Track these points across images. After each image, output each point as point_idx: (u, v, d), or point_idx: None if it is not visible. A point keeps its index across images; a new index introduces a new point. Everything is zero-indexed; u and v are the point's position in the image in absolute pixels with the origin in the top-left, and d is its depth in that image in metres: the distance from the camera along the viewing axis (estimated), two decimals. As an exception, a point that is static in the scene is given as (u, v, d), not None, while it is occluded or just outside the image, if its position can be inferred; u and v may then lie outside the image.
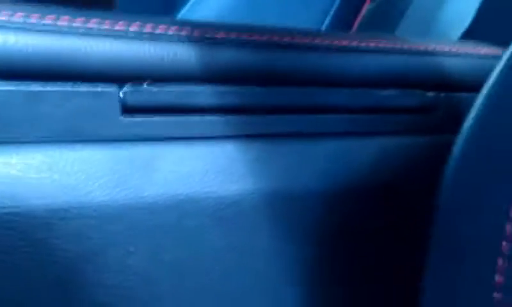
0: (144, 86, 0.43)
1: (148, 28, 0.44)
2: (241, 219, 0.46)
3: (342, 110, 0.51)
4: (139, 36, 0.43)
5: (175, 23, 0.45)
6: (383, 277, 0.52)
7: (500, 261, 0.42)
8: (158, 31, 0.44)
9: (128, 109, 0.44)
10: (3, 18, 0.41)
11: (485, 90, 0.44)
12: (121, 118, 0.44)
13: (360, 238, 0.51)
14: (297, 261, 0.49)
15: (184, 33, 0.44)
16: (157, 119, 0.45)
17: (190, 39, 0.44)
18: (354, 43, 0.51)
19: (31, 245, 0.41)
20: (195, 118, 0.46)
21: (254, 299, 0.48)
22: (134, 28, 0.43)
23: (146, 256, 0.44)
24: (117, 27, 0.43)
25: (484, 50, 0.57)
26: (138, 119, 0.44)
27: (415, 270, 0.46)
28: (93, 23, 0.42)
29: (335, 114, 0.50)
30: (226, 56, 0.45)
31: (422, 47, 0.54)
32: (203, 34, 0.45)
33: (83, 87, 0.42)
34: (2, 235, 0.41)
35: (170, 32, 0.44)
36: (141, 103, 0.44)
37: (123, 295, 0.44)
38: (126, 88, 0.43)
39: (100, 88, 0.42)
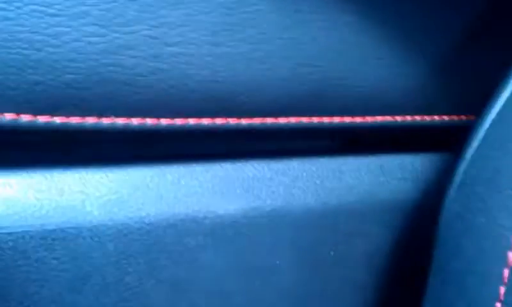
0: None
1: None
2: (239, 239, 0.46)
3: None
4: None
5: None
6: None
7: (502, 290, 0.42)
8: None
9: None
10: None
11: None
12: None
13: (357, 259, 0.51)
14: (294, 281, 0.49)
15: None
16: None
17: None
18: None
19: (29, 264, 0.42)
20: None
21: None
22: None
23: (144, 274, 0.44)
24: None
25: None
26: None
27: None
28: None
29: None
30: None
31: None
32: None
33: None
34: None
35: None
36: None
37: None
38: None
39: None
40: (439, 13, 0.49)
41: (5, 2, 0.38)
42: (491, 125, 0.46)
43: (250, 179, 0.47)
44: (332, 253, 0.50)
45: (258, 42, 0.44)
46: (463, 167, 0.47)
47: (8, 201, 0.41)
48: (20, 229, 0.41)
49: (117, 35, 0.41)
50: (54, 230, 0.42)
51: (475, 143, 0.46)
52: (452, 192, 0.47)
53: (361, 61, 0.47)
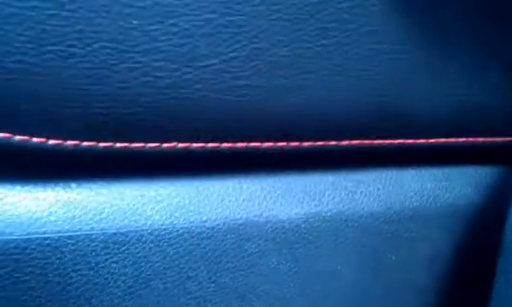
0: None
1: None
2: (300, 244, 0.46)
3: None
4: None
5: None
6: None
7: None
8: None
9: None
10: None
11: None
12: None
13: (419, 263, 0.50)
14: (355, 286, 0.48)
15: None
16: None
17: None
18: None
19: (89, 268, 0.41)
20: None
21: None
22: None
23: (205, 280, 0.44)
24: None
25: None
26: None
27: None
28: None
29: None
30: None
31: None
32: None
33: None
34: (60, 258, 0.40)
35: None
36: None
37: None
38: None
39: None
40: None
41: (75, 40, 0.38)
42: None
43: (312, 184, 0.47)
44: (394, 258, 0.49)
45: (329, 74, 0.44)
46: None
47: (68, 204, 0.41)
48: (80, 233, 0.41)
49: (187, 70, 0.40)
50: (115, 234, 0.41)
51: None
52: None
53: (421, 86, 0.47)
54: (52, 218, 0.40)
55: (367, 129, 0.46)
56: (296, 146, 0.45)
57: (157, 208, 0.42)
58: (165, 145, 0.42)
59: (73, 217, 0.41)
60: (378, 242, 0.48)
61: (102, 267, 0.41)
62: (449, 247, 0.51)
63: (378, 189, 0.48)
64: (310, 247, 0.46)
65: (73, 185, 0.42)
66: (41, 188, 0.41)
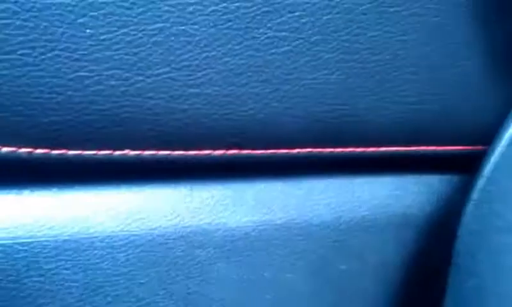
0: None
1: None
2: (250, 252, 0.46)
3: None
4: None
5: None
6: None
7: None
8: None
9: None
10: None
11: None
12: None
13: (369, 273, 0.51)
14: (306, 294, 0.49)
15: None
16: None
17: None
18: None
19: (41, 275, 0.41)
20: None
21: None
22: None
23: (156, 287, 0.44)
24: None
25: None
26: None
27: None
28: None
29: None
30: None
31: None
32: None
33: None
34: (11, 264, 0.41)
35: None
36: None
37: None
38: None
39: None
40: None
41: (29, 48, 0.38)
42: (509, 143, 0.45)
43: (262, 192, 0.47)
44: (343, 267, 0.49)
45: (280, 83, 0.44)
46: (480, 184, 0.46)
47: (21, 211, 0.41)
48: (32, 240, 0.41)
49: (140, 78, 0.41)
50: (67, 240, 0.42)
51: (493, 159, 0.46)
52: (469, 209, 0.46)
53: (372, 94, 0.47)
54: (5, 224, 0.41)
55: (317, 137, 0.47)
56: (246, 154, 0.45)
57: (108, 215, 0.43)
58: (117, 153, 0.43)
59: (26, 223, 0.41)
60: (328, 251, 0.49)
61: (54, 274, 0.42)
62: (400, 257, 0.51)
63: (329, 198, 0.49)
64: (259, 255, 0.47)
65: (26, 192, 0.42)
66: (-7, 195, 0.41)
